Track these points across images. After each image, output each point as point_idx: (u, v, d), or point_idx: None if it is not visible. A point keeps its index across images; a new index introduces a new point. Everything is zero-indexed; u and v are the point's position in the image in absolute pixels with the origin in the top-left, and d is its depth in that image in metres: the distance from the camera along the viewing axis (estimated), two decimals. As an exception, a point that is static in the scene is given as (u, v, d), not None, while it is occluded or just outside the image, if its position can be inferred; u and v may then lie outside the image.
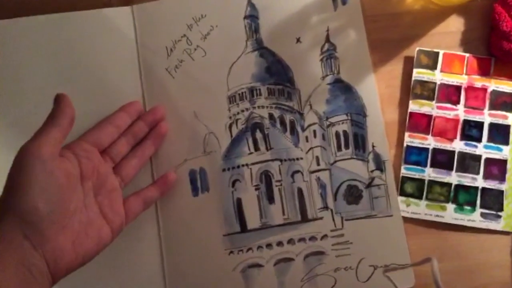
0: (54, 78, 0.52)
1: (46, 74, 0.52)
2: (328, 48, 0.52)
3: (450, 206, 0.50)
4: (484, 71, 0.52)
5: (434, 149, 0.51)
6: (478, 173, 0.50)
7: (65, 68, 0.52)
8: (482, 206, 0.49)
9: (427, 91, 0.52)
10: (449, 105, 0.51)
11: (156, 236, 0.50)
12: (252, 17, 0.52)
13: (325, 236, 0.49)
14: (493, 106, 0.51)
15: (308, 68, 0.52)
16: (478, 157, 0.50)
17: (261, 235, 0.49)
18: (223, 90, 0.52)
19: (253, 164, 0.50)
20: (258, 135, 0.51)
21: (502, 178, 0.50)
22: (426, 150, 0.51)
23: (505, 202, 0.49)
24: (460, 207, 0.50)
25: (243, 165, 0.50)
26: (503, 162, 0.50)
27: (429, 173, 0.50)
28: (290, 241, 0.49)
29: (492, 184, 0.50)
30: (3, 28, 0.53)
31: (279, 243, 0.49)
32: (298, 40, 0.52)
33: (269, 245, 0.49)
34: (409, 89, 0.51)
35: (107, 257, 0.49)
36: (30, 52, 0.52)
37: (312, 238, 0.49)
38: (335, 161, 0.50)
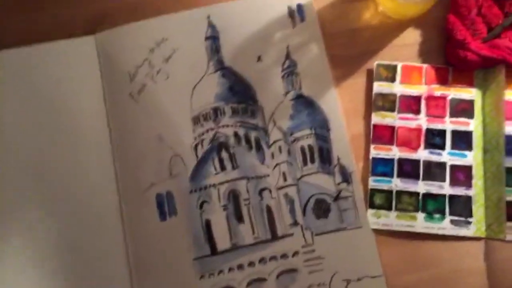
0: (16, 110, 0.52)
1: (7, 106, 0.52)
2: (289, 64, 0.52)
3: (420, 215, 0.50)
4: (442, 80, 0.53)
5: (400, 159, 0.51)
6: (444, 180, 0.50)
7: (29, 98, 0.52)
8: (451, 213, 0.49)
9: (388, 102, 0.52)
10: (410, 115, 0.52)
11: (125, 263, 0.48)
12: (213, 38, 0.53)
13: (296, 252, 0.48)
14: (453, 114, 0.52)
15: (270, 85, 0.52)
16: (443, 165, 0.51)
17: (232, 257, 0.48)
18: (187, 112, 0.52)
19: (220, 184, 0.50)
20: (224, 154, 0.51)
21: (468, 184, 0.50)
22: (391, 161, 0.51)
23: (473, 208, 0.49)
24: (429, 215, 0.50)
25: (210, 186, 0.50)
26: (468, 168, 0.50)
27: (397, 184, 0.50)
28: (262, 261, 0.48)
29: (459, 191, 0.50)
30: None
31: (251, 264, 0.48)
32: (259, 58, 0.53)
33: (240, 266, 0.48)
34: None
35: (74, 284, 0.48)
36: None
37: (284, 256, 0.48)
38: (302, 176, 0.50)
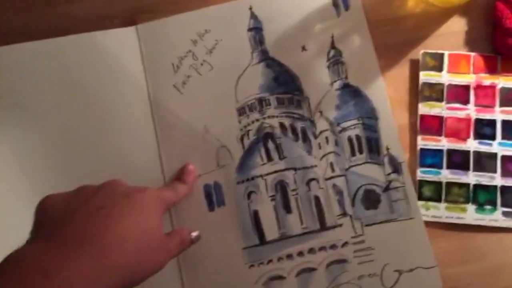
0: (59, 101, 0.52)
1: (51, 98, 0.52)
2: (334, 54, 0.52)
3: (471, 207, 0.49)
4: (491, 69, 0.51)
5: (449, 150, 0.50)
6: (495, 171, 0.49)
7: (71, 90, 0.52)
8: (503, 205, 0.48)
9: (436, 92, 0.51)
10: (459, 105, 0.51)
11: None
12: (256, 29, 0.53)
13: (346, 243, 0.48)
14: (504, 103, 0.50)
15: (316, 75, 0.52)
16: (494, 155, 0.50)
17: (281, 246, 0.48)
18: (232, 103, 0.51)
19: (267, 174, 0.50)
20: (270, 145, 0.50)
21: (520, 175, 0.49)
22: (440, 151, 0.50)
23: (526, 199, 0.48)
24: (480, 207, 0.49)
25: (257, 176, 0.50)
26: (520, 158, 0.49)
27: (446, 175, 0.50)
28: (311, 251, 0.48)
29: (511, 182, 0.49)
30: (8, 54, 0.53)
31: (300, 253, 0.48)
32: (303, 48, 0.52)
33: (289, 256, 0.48)
34: (417, 92, 0.51)
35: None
36: (35, 76, 0.52)
37: (333, 246, 0.48)
38: (350, 167, 0.50)
